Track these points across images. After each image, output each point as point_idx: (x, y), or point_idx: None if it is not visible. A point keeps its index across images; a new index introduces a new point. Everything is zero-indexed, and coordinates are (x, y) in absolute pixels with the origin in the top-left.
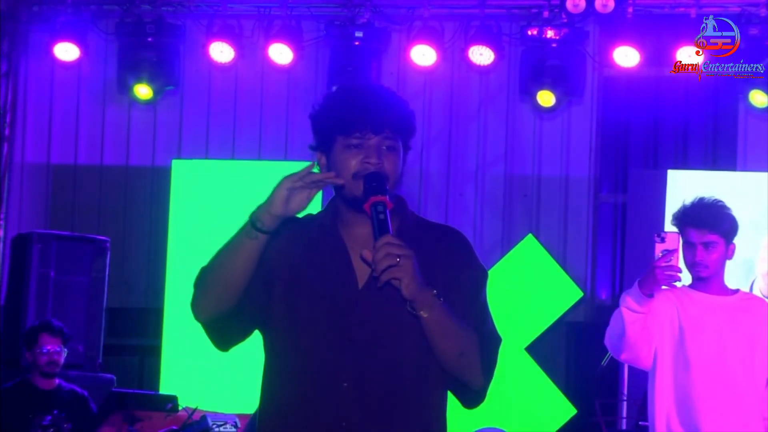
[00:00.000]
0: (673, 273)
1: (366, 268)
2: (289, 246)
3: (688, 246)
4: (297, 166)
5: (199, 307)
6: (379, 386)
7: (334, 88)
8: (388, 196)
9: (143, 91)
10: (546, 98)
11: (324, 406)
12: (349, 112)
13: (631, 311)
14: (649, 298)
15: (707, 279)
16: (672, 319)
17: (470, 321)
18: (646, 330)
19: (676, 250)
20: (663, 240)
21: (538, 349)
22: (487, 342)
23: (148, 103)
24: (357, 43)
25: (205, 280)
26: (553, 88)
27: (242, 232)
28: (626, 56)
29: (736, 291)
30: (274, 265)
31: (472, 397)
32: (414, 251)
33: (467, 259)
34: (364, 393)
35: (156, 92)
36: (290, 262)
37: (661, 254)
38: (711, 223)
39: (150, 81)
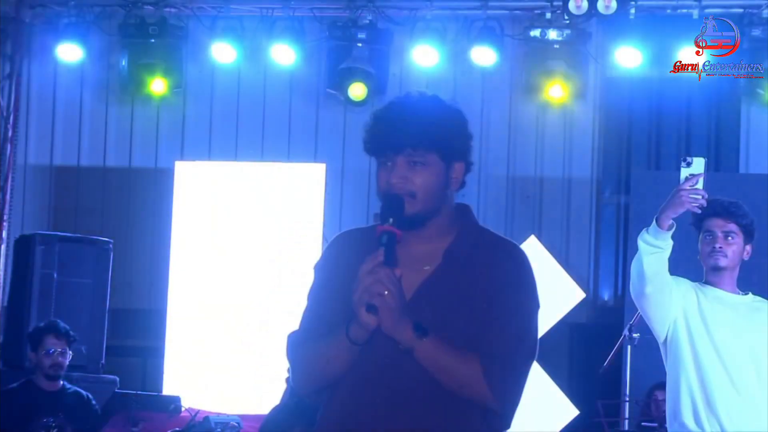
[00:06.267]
0: (697, 196)
1: (413, 285)
2: (351, 262)
3: (708, 235)
4: (299, 168)
5: (299, 388)
6: (413, 402)
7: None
8: (413, 216)
9: (158, 86)
10: (556, 92)
11: (360, 421)
12: (373, 134)
13: (647, 245)
14: (666, 232)
15: (723, 272)
16: (692, 304)
17: (487, 347)
18: (666, 273)
19: (701, 174)
20: (689, 164)
21: (540, 350)
22: (499, 368)
23: (161, 100)
24: (360, 44)
25: (300, 370)
26: (555, 88)
27: (337, 339)
28: (628, 57)
29: (747, 292)
30: (342, 282)
31: (490, 419)
32: (464, 263)
33: (510, 277)
34: (398, 409)
35: (168, 89)
36: (348, 274)
37: (687, 177)
38: (734, 213)
39: (161, 75)
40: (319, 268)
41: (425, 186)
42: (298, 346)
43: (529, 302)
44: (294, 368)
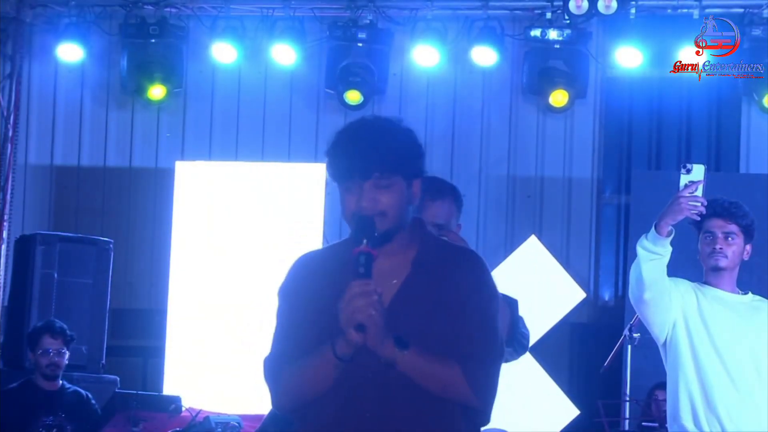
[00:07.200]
0: (696, 203)
1: (386, 297)
2: (317, 286)
3: (708, 235)
4: (300, 168)
5: (280, 408)
6: (396, 409)
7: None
8: (385, 233)
9: (157, 92)
10: (558, 98)
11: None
12: (338, 162)
13: (646, 251)
14: (665, 238)
15: (722, 273)
16: (692, 305)
17: (462, 348)
18: (664, 279)
19: (701, 182)
20: (689, 171)
21: (541, 350)
22: (476, 368)
23: (160, 104)
24: (360, 44)
25: (283, 391)
26: (557, 88)
27: (322, 357)
28: (629, 57)
29: (746, 292)
30: (312, 306)
31: (472, 416)
32: (432, 272)
33: (474, 282)
34: (383, 416)
35: (168, 91)
36: (320, 295)
37: (686, 184)
38: (734, 213)
39: (159, 82)
40: (285, 292)
41: (393, 204)
42: (278, 367)
43: (493, 305)
44: (276, 390)
